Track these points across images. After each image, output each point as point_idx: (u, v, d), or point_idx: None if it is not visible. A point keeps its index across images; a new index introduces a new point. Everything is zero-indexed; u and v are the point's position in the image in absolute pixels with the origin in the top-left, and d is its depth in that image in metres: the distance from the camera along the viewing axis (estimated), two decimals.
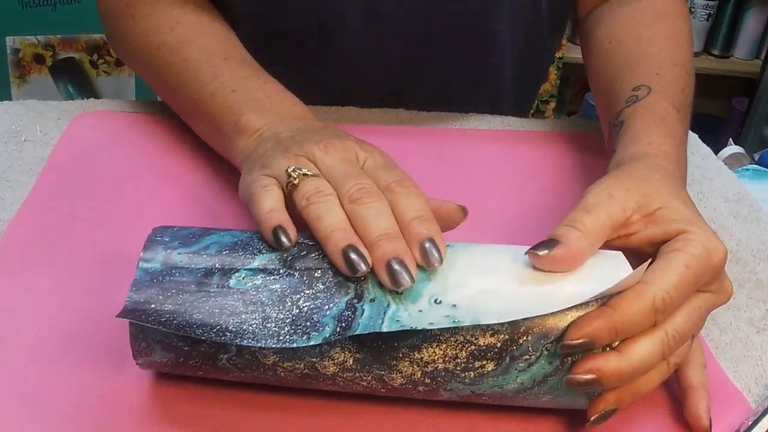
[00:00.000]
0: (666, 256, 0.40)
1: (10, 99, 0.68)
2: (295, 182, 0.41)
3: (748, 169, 0.87)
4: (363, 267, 0.37)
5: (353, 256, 0.37)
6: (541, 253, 0.38)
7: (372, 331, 0.36)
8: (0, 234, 0.52)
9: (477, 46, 0.72)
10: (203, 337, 0.37)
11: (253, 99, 0.53)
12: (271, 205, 0.41)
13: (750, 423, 0.42)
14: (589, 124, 0.73)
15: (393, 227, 0.39)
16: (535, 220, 0.58)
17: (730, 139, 1.08)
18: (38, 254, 0.50)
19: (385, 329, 0.36)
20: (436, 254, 0.38)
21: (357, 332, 0.36)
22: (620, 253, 0.41)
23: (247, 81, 0.55)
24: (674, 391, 0.44)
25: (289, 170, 0.42)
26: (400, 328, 0.36)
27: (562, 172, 0.65)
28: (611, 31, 0.65)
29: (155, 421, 0.40)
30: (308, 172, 0.42)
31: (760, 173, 0.86)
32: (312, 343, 0.36)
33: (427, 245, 0.38)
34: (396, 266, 0.37)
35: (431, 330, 0.37)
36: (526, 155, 0.67)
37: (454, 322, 0.36)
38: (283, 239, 0.39)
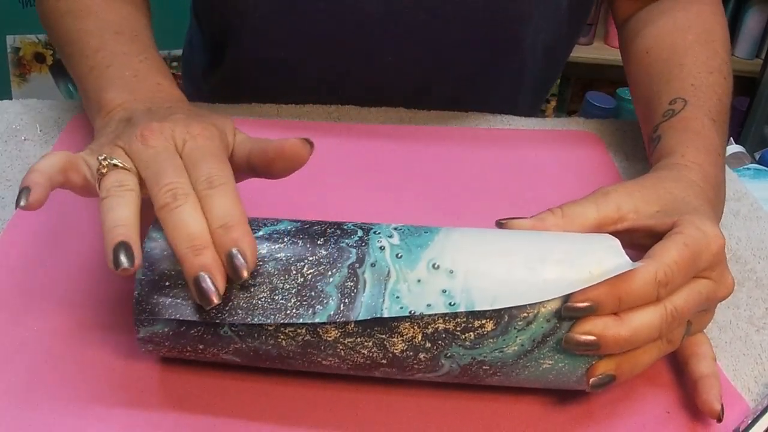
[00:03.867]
0: (666, 238, 0.41)
1: (10, 98, 0.68)
2: (103, 171, 0.41)
3: (748, 169, 0.87)
4: (125, 264, 0.37)
5: (121, 254, 0.37)
6: (504, 220, 0.44)
7: (374, 316, 0.37)
8: (0, 232, 0.52)
9: (501, 51, 0.73)
10: (217, 320, 0.38)
11: (121, 76, 0.52)
12: (118, 217, 0.39)
13: (749, 421, 0.42)
14: (589, 123, 0.73)
15: (199, 234, 0.38)
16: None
17: (731, 139, 1.08)
18: (38, 252, 0.50)
19: (386, 313, 0.37)
20: (241, 261, 0.37)
21: (360, 317, 0.37)
22: (609, 235, 0.42)
23: (123, 57, 0.54)
24: (681, 377, 0.45)
25: (100, 158, 0.41)
26: (400, 312, 0.37)
27: (562, 171, 0.65)
28: (648, 41, 0.66)
29: (159, 407, 0.40)
30: (118, 163, 0.41)
31: (761, 172, 0.86)
32: (317, 320, 0.37)
33: (232, 252, 0.37)
34: (204, 281, 0.37)
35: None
36: (526, 154, 0.67)
37: (450, 305, 0.37)
38: (123, 259, 0.37)
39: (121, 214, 0.38)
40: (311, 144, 0.43)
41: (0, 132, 0.63)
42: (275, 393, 0.42)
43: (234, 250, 0.37)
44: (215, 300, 0.37)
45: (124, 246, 0.37)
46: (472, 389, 0.42)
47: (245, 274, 0.37)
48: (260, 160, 0.44)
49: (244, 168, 0.44)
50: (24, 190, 0.39)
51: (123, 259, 0.37)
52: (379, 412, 0.42)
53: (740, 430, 0.42)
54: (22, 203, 0.39)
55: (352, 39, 0.70)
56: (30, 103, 0.67)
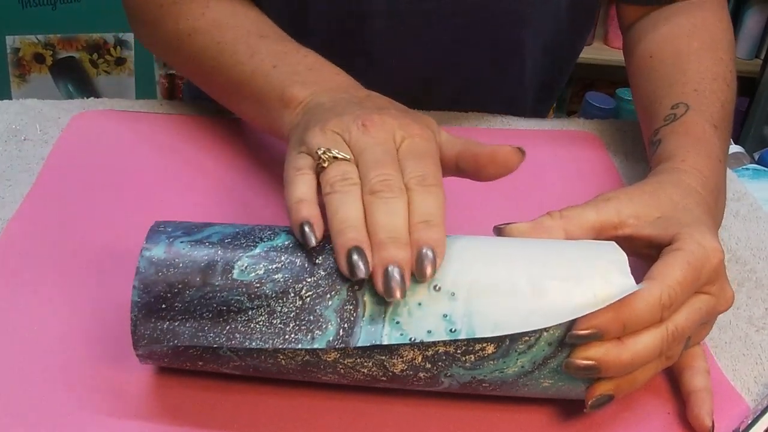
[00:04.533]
0: (667, 255, 0.41)
1: (10, 98, 0.68)
2: (324, 165, 0.41)
3: (747, 169, 0.87)
4: (362, 272, 0.37)
5: (355, 257, 0.37)
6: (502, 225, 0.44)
7: (373, 343, 0.37)
8: (0, 232, 0.52)
9: (501, 52, 0.72)
10: (215, 344, 0.37)
11: (295, 72, 0.52)
12: (301, 193, 0.40)
13: (749, 422, 0.42)
14: (589, 123, 0.73)
15: (401, 230, 0.38)
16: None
17: (730, 139, 1.08)
18: (38, 253, 0.50)
19: (386, 340, 0.37)
20: (428, 265, 0.37)
21: (359, 344, 0.37)
22: (613, 242, 0.42)
23: (286, 56, 0.55)
24: (677, 388, 0.44)
25: (320, 152, 0.41)
26: (400, 339, 0.37)
27: (562, 172, 0.65)
28: (651, 45, 0.65)
29: (156, 417, 0.40)
30: (338, 155, 0.41)
31: (760, 172, 0.86)
32: (316, 346, 0.37)
33: (424, 251, 0.37)
34: (392, 274, 0.36)
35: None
36: (525, 154, 0.67)
37: (451, 332, 0.37)
38: (309, 235, 0.38)
39: (351, 214, 0.38)
40: (523, 153, 0.44)
41: (0, 132, 0.63)
42: (275, 402, 0.42)
43: (426, 249, 0.37)
44: (399, 295, 0.36)
45: (357, 251, 0.37)
46: (475, 399, 0.42)
47: (427, 273, 0.37)
48: (470, 164, 0.44)
49: (451, 168, 0.45)
50: (306, 224, 0.39)
51: (360, 265, 0.37)
52: (382, 423, 0.41)
53: (740, 430, 0.42)
54: (312, 242, 0.38)
55: (352, 39, 0.70)
56: (30, 103, 0.67)
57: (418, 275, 0.37)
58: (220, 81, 0.58)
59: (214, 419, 0.40)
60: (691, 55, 0.62)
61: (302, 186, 0.41)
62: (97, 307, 0.46)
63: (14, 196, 0.55)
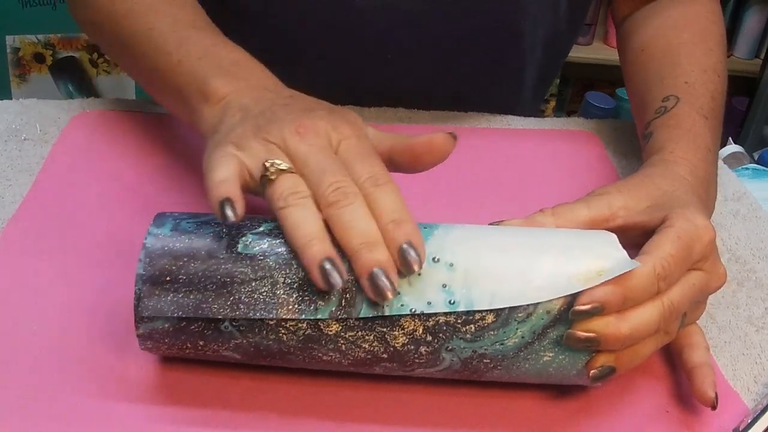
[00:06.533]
0: (658, 233, 0.42)
1: (10, 98, 0.68)
2: (272, 177, 0.40)
3: (747, 168, 0.87)
4: (338, 281, 0.37)
5: (328, 267, 0.37)
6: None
7: (375, 314, 0.38)
8: None
9: (500, 46, 0.73)
10: (220, 315, 0.38)
11: (219, 66, 0.51)
12: (223, 174, 0.40)
13: (749, 421, 0.42)
14: (588, 123, 0.73)
15: (372, 232, 0.38)
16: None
17: (730, 138, 1.08)
18: (38, 253, 0.50)
19: (387, 311, 0.38)
20: (414, 255, 0.38)
21: (361, 315, 0.38)
22: (606, 231, 0.43)
23: (214, 48, 0.53)
24: (677, 372, 0.45)
25: (267, 164, 0.40)
26: (401, 310, 0.38)
27: (562, 171, 0.65)
28: (644, 39, 0.66)
29: (158, 406, 0.41)
30: (284, 168, 0.40)
31: (760, 172, 0.86)
32: (319, 317, 0.38)
33: (404, 247, 0.38)
34: (379, 278, 0.37)
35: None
36: (525, 154, 0.67)
37: (450, 303, 0.38)
38: (229, 213, 0.38)
39: (312, 227, 0.38)
40: (455, 138, 0.44)
41: (0, 132, 0.63)
42: (275, 390, 0.42)
43: (405, 245, 0.38)
44: (390, 296, 0.37)
45: (329, 261, 0.37)
46: (470, 386, 0.43)
47: (417, 268, 0.38)
48: (405, 157, 0.44)
49: (385, 164, 0.44)
50: (227, 201, 0.38)
51: (335, 275, 0.37)
52: (379, 409, 0.42)
53: (739, 430, 0.42)
54: (230, 216, 0.38)
55: (349, 35, 0.70)
56: (30, 103, 0.67)
57: (406, 271, 0.38)
58: (145, 68, 0.56)
59: (216, 407, 0.41)
60: (682, 47, 0.62)
61: (225, 169, 0.40)
62: (97, 305, 0.46)
63: (14, 195, 0.55)
